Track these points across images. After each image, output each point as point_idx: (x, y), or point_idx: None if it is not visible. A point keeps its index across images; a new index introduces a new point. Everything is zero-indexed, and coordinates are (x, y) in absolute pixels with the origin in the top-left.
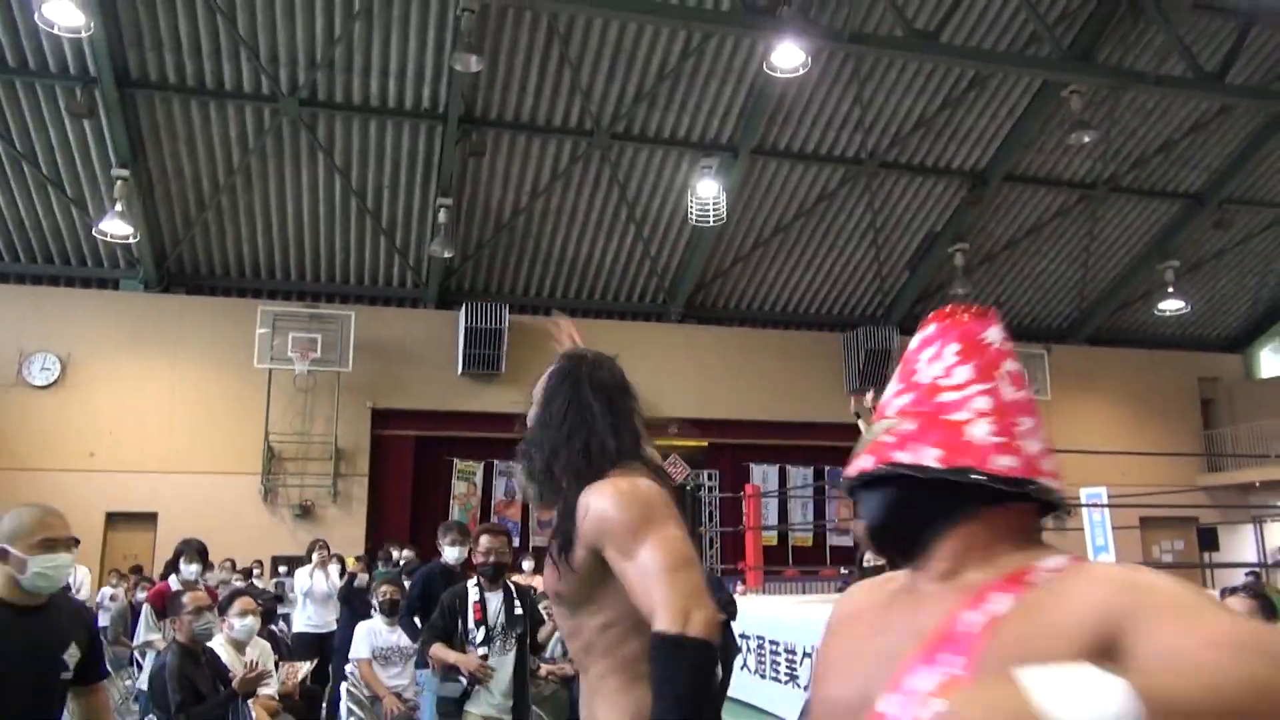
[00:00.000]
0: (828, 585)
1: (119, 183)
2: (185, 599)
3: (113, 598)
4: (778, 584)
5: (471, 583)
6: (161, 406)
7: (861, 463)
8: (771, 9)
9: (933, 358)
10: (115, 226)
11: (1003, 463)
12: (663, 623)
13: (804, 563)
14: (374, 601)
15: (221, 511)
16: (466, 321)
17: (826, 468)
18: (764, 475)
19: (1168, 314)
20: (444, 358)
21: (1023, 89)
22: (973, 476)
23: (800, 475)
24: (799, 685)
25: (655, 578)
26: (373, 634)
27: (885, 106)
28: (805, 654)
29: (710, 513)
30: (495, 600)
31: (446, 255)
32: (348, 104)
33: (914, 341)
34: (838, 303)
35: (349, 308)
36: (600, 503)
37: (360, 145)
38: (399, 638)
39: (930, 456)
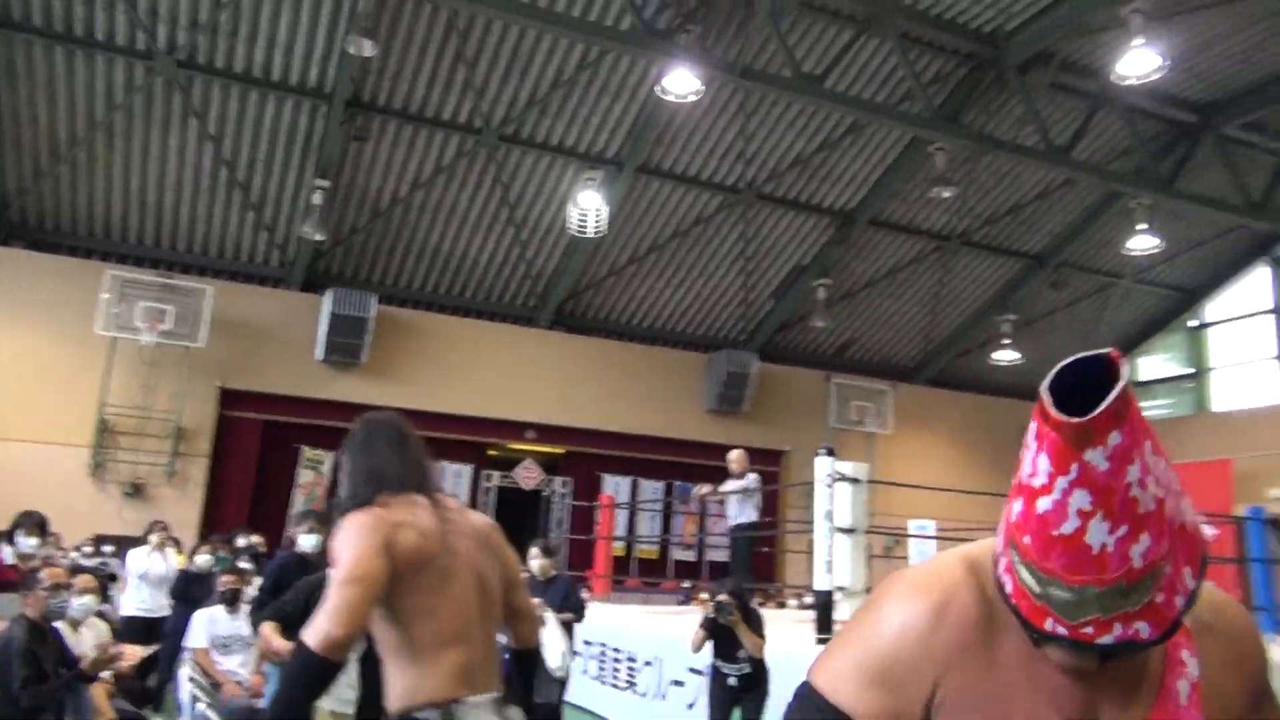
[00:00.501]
0: (669, 597)
1: None
2: (43, 574)
3: None
4: (621, 593)
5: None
6: None
7: (1136, 633)
8: (670, 34)
9: (1141, 477)
10: None
11: (1208, 530)
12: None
13: (648, 574)
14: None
15: (44, 484)
16: (332, 307)
17: (676, 483)
18: (616, 486)
19: (1002, 363)
20: (303, 342)
21: (894, 140)
22: (1205, 567)
23: (651, 488)
24: (638, 692)
25: (329, 590)
26: (212, 622)
27: (767, 141)
28: (646, 662)
29: (560, 519)
30: None
31: (318, 238)
32: (229, 71)
33: (1099, 459)
34: (703, 324)
35: (207, 281)
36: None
37: (237, 115)
38: (241, 626)
39: (1190, 579)
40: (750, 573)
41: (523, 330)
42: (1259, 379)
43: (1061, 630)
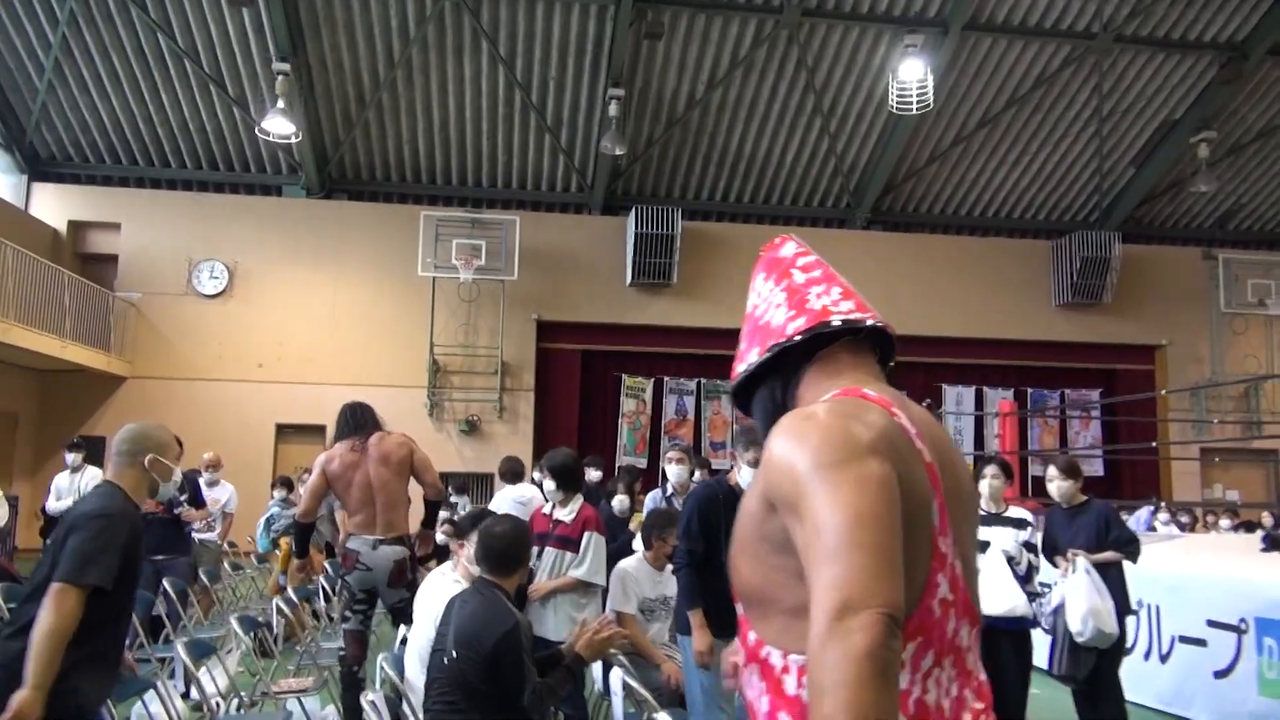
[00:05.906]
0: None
1: (280, 78)
2: None
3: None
4: None
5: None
6: (326, 317)
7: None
8: None
9: (753, 293)
10: (278, 125)
11: (794, 325)
12: None
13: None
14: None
15: (389, 426)
16: (636, 228)
17: (1029, 390)
18: (958, 397)
19: None
20: (611, 267)
21: None
22: (774, 349)
23: (998, 398)
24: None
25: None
26: (637, 582)
27: None
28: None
29: None
30: None
31: (618, 152)
32: None
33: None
34: (1047, 205)
35: (511, 213)
36: None
37: (526, 30)
38: (666, 586)
39: (754, 356)
40: None
41: (837, 233)
42: None
43: None
